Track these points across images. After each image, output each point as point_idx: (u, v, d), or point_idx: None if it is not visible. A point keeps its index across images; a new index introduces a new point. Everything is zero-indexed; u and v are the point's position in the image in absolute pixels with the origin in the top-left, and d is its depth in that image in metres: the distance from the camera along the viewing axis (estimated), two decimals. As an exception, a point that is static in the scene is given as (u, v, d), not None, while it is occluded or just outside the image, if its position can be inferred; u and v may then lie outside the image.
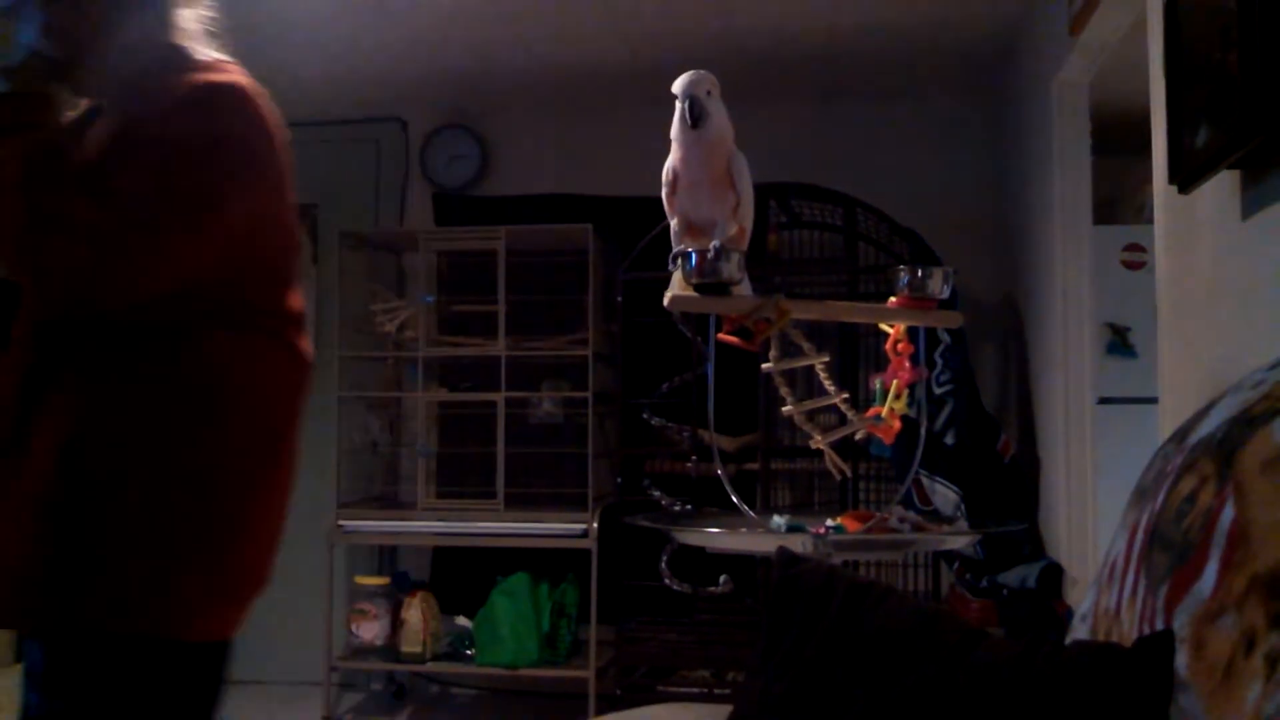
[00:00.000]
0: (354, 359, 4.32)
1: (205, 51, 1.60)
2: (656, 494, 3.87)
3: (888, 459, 3.80)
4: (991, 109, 4.45)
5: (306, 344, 1.65)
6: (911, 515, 2.33)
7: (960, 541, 2.92)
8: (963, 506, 3.50)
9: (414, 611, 4.12)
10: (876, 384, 2.21)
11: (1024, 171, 3.94)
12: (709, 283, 2.02)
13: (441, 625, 4.24)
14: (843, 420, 2.20)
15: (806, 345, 2.18)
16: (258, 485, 1.56)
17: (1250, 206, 1.73)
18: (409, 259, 4.64)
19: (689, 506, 3.75)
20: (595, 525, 3.99)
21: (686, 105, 2.02)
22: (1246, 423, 1.16)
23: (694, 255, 2.02)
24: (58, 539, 1.44)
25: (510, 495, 4.09)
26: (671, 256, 2.10)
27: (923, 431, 2.29)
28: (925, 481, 3.58)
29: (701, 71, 2.06)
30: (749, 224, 2.15)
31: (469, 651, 4.13)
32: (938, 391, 3.70)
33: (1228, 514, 1.08)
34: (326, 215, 4.76)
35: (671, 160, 2.12)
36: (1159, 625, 1.14)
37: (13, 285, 1.53)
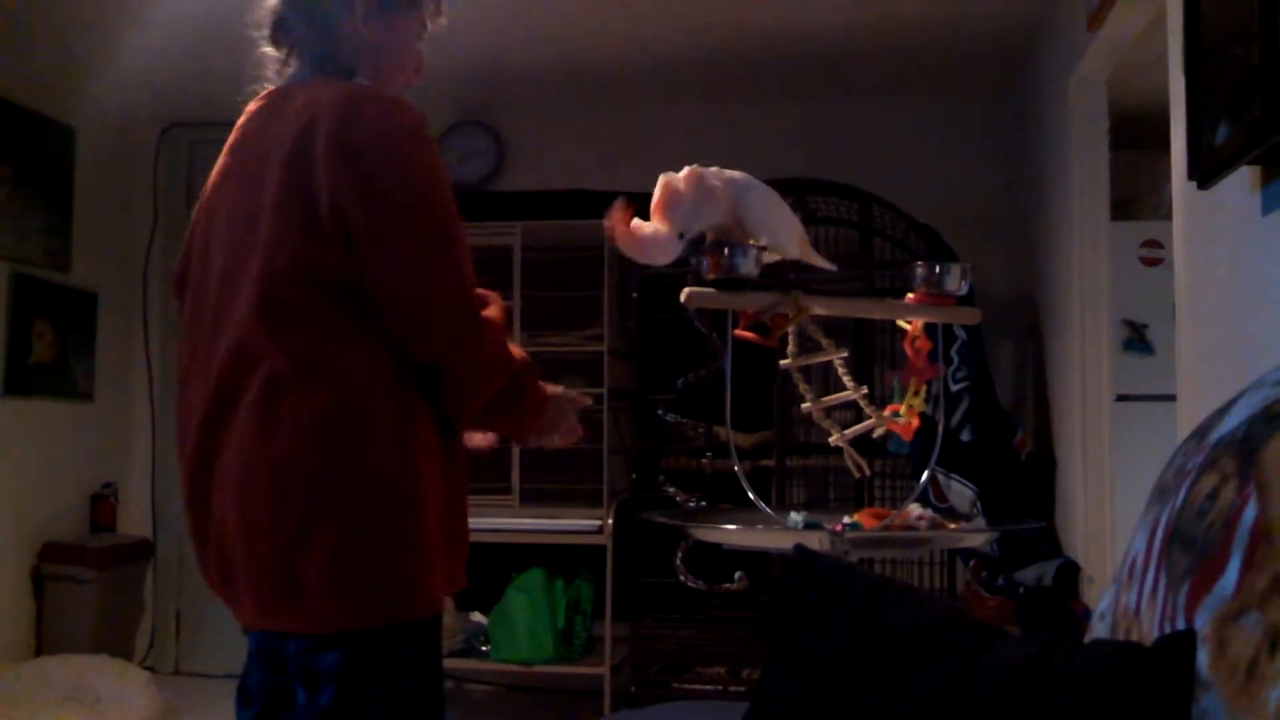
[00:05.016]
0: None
1: None
2: (672, 490, 3.87)
3: (904, 456, 3.79)
4: (1009, 105, 4.43)
5: None
6: (928, 513, 2.33)
7: (977, 539, 2.91)
8: (979, 504, 3.48)
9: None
10: (895, 381, 2.20)
11: (1041, 167, 3.92)
12: (725, 279, 2.02)
13: (456, 621, 4.25)
14: (859, 416, 2.20)
15: (824, 341, 2.17)
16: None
17: (1270, 202, 1.72)
18: (424, 255, 4.62)
19: (704, 503, 3.75)
20: (610, 521, 3.99)
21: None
22: (1269, 420, 1.15)
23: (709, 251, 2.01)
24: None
25: (525, 491, 4.09)
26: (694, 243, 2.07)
27: (940, 429, 2.28)
28: (941, 479, 3.57)
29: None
30: (789, 251, 2.13)
31: (484, 648, 4.14)
32: (954, 388, 3.68)
33: (1250, 512, 1.07)
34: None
35: None
36: (1180, 624, 1.14)
37: None
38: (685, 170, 1.93)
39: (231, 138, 1.71)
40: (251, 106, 1.72)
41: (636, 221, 1.88)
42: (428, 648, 1.65)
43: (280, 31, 1.72)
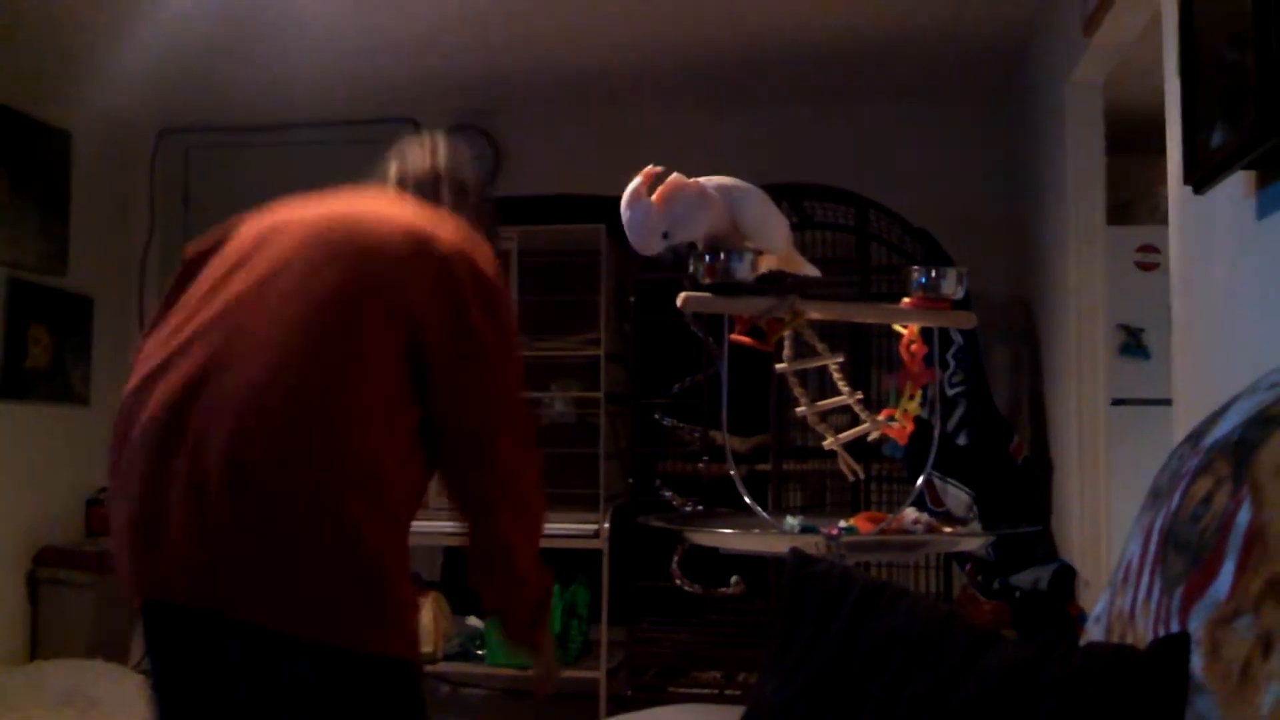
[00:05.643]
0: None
1: None
2: (668, 494, 3.87)
3: (899, 459, 3.79)
4: (1005, 109, 4.44)
5: None
6: (924, 517, 2.33)
7: (973, 543, 2.91)
8: (975, 508, 3.49)
9: (425, 612, 4.12)
10: (890, 385, 2.20)
11: (1037, 172, 3.93)
12: (721, 283, 2.02)
13: (452, 625, 4.24)
14: (855, 421, 2.20)
15: (820, 346, 2.17)
16: None
17: (1265, 207, 1.72)
18: (421, 260, 4.62)
19: (701, 507, 3.75)
20: (607, 525, 3.99)
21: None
22: (1263, 424, 1.16)
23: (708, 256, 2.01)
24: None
25: (522, 495, 4.08)
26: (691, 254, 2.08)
27: (936, 433, 2.28)
28: (937, 483, 3.57)
29: (645, 220, 1.96)
30: (779, 256, 2.14)
31: (480, 652, 4.14)
32: (950, 393, 3.69)
33: (1244, 516, 1.08)
34: (339, 216, 4.75)
35: None
36: (1174, 628, 1.14)
37: None
38: (694, 179, 1.95)
39: (321, 198, 1.90)
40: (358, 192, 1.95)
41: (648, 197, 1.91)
42: (418, 692, 1.81)
43: (426, 189, 2.01)
